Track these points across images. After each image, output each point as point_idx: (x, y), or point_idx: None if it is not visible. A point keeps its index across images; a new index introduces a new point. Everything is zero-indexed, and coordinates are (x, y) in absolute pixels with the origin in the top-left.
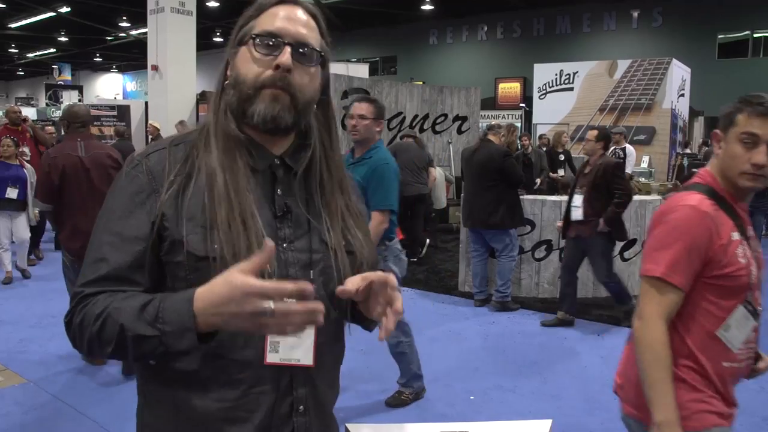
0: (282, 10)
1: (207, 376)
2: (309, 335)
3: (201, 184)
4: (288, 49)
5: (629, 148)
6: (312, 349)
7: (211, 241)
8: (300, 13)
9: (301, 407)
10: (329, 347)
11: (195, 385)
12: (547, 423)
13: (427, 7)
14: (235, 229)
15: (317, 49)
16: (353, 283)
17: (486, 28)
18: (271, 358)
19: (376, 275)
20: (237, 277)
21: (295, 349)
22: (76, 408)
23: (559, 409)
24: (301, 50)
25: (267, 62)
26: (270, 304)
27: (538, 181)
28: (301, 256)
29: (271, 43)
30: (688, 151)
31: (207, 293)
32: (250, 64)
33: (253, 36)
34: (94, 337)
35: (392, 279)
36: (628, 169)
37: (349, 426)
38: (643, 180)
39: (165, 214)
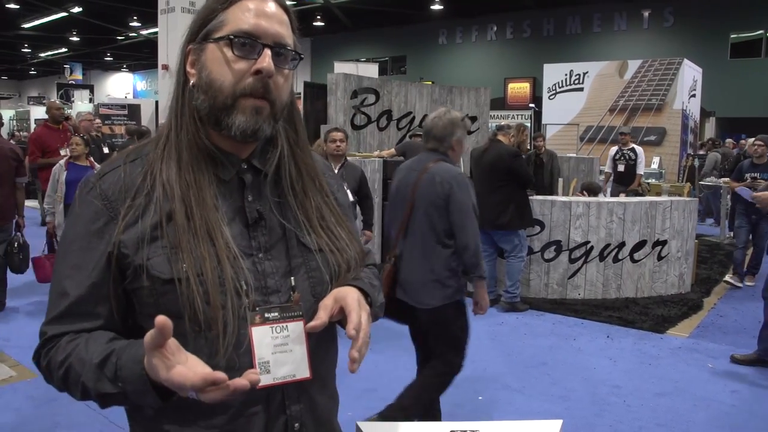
0: (252, 3)
1: (189, 404)
2: (300, 345)
3: (162, 203)
4: (268, 53)
5: (638, 148)
6: (306, 360)
7: (176, 263)
8: (273, 7)
9: (297, 425)
10: (324, 354)
11: (179, 416)
12: (558, 423)
13: (437, 6)
14: (201, 248)
15: (293, 49)
16: (325, 309)
17: (495, 28)
18: (264, 380)
19: (347, 298)
20: (158, 372)
21: (288, 365)
22: (88, 403)
23: (567, 411)
24: (278, 51)
25: (244, 66)
26: (193, 394)
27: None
28: (280, 263)
29: (247, 43)
30: (700, 152)
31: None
32: (223, 68)
33: (231, 37)
34: (60, 383)
35: (354, 302)
36: (640, 170)
37: (360, 424)
38: (653, 181)
39: (122, 242)
